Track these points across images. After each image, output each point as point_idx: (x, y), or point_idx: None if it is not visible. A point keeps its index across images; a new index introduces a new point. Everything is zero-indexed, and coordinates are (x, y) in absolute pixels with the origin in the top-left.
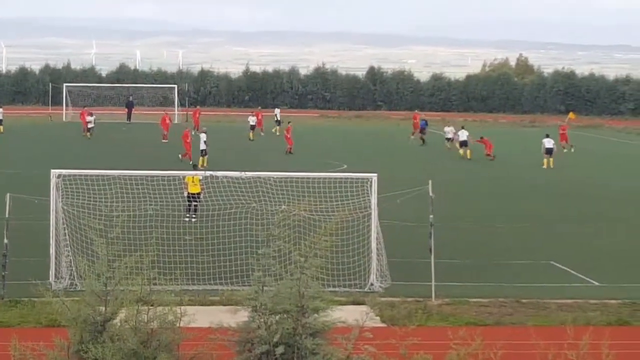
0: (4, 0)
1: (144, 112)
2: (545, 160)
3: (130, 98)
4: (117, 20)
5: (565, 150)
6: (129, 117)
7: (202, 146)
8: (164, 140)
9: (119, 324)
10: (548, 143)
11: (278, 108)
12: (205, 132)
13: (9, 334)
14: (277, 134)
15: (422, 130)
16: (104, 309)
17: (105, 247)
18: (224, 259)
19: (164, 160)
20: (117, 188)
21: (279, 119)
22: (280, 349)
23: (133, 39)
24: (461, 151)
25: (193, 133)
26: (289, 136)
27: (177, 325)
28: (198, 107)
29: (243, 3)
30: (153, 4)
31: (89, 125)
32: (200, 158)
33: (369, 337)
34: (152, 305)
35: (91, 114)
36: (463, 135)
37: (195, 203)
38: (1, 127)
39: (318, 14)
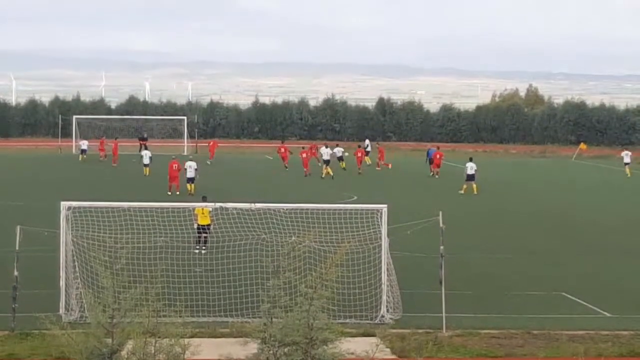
0: (13, 33)
1: (154, 144)
2: (465, 187)
3: (145, 135)
4: (125, 52)
5: (378, 169)
6: (144, 149)
7: (191, 174)
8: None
9: (125, 356)
10: (470, 169)
11: (367, 139)
12: (194, 161)
13: None
14: (368, 163)
15: (432, 161)
16: (110, 341)
17: (112, 279)
18: (234, 290)
19: (183, 193)
20: (127, 220)
21: (369, 149)
22: None
23: (142, 71)
24: (329, 169)
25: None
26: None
27: (183, 357)
28: (215, 139)
29: (250, 34)
30: (160, 36)
31: (83, 147)
32: (188, 185)
33: None
34: (159, 337)
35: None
36: (338, 152)
37: (205, 235)
38: (85, 156)
39: (325, 45)
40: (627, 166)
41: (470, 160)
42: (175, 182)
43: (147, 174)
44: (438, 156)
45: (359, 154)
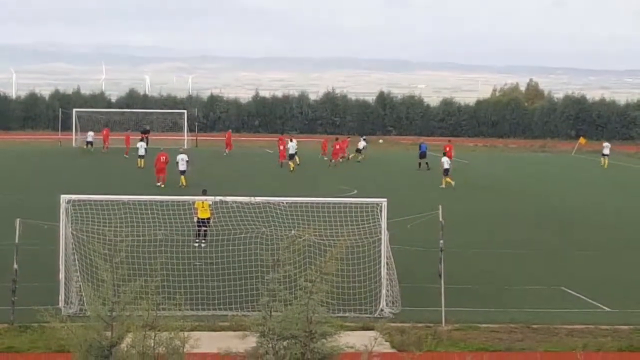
0: (14, 27)
1: (154, 137)
2: (449, 180)
3: (148, 127)
4: (126, 46)
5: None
6: (140, 141)
7: (183, 167)
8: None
9: (125, 348)
10: (447, 164)
11: (364, 137)
12: (185, 153)
13: None
14: (358, 160)
15: (422, 156)
16: (110, 334)
17: (111, 272)
18: (234, 284)
19: (174, 185)
20: (126, 213)
21: (360, 148)
22: None
23: (142, 65)
24: (292, 163)
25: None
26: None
27: (183, 350)
28: (230, 130)
29: (250, 29)
30: (161, 30)
31: (88, 139)
32: (181, 177)
33: None
34: (158, 330)
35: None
36: (292, 148)
37: (205, 228)
38: (92, 148)
39: (326, 39)
40: (604, 157)
41: (444, 155)
42: (162, 174)
43: (142, 165)
44: (447, 149)
45: (337, 147)
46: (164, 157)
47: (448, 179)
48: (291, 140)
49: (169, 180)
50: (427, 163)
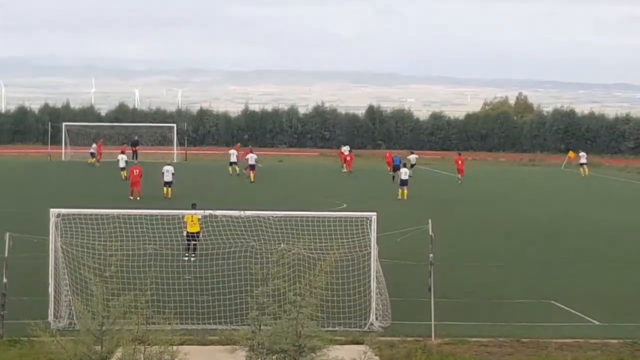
0: (2, 40)
1: (144, 151)
2: (400, 192)
3: (136, 137)
4: (115, 60)
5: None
6: (135, 156)
7: (168, 178)
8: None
9: None
10: (404, 174)
11: (348, 145)
12: (171, 165)
13: None
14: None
15: (395, 168)
16: (100, 348)
17: (101, 286)
18: (224, 298)
19: (159, 198)
20: (116, 227)
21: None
22: None
23: (132, 78)
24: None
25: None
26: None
27: None
28: (239, 144)
29: (240, 42)
30: (150, 44)
31: (92, 151)
32: (165, 189)
33: None
34: (148, 345)
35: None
36: (251, 159)
37: (194, 242)
38: (93, 160)
39: (316, 53)
40: (583, 166)
41: (404, 166)
42: (136, 187)
43: (124, 177)
44: (460, 162)
45: (347, 157)
46: (137, 171)
47: (405, 191)
48: (251, 152)
49: (151, 193)
50: (393, 176)
